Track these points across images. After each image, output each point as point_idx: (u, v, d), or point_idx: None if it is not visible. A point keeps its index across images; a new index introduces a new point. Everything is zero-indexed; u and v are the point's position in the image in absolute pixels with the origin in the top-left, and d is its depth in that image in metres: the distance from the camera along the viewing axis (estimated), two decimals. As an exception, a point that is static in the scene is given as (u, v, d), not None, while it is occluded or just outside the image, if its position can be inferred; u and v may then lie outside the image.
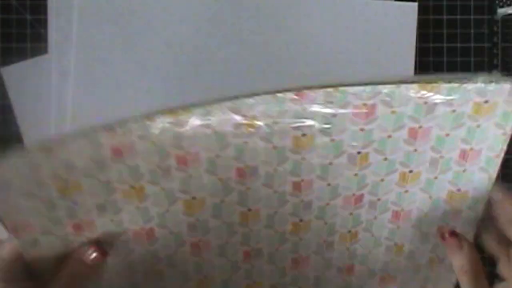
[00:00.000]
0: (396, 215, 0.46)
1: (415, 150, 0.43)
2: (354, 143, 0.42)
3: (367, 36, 0.55)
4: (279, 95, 0.40)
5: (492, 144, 0.43)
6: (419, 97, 0.40)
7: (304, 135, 0.41)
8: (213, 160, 0.41)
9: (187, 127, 0.40)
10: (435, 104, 0.40)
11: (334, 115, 0.41)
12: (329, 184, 0.44)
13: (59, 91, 0.54)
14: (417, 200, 0.45)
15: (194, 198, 0.42)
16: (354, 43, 0.55)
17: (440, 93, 0.40)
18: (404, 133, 0.42)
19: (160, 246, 0.44)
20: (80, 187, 0.40)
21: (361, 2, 0.55)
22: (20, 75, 0.55)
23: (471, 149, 0.43)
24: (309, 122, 0.41)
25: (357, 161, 0.43)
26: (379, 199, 0.45)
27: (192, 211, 0.43)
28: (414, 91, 0.40)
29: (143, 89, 0.54)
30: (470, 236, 0.46)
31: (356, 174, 0.43)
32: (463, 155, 0.43)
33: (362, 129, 0.41)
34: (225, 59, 0.55)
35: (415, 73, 0.56)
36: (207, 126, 0.40)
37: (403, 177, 0.44)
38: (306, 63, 0.55)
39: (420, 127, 0.41)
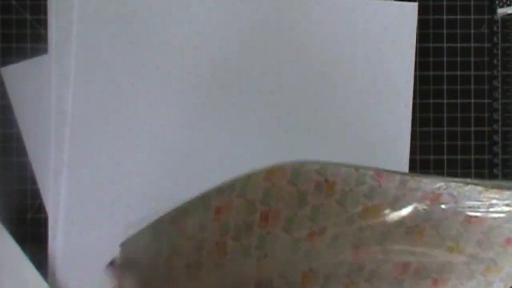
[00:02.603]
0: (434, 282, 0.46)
1: (466, 231, 0.44)
2: (414, 219, 0.43)
3: (367, 36, 0.55)
4: (360, 170, 0.42)
5: None
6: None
7: (374, 205, 0.43)
8: (291, 218, 0.42)
9: (276, 183, 0.41)
10: (495, 204, 0.42)
11: (404, 194, 0.42)
12: (383, 251, 0.45)
13: (59, 91, 0.54)
14: (457, 272, 0.46)
15: (266, 255, 0.43)
16: (354, 43, 0.55)
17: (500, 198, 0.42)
18: (460, 217, 0.43)
19: None
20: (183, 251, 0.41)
21: (361, 2, 0.55)
22: (20, 75, 0.55)
23: None
24: (380, 197, 0.42)
25: (414, 233, 0.44)
26: (423, 267, 0.46)
27: (262, 267, 0.43)
28: (478, 192, 0.42)
29: (143, 89, 0.54)
30: None
31: (410, 244, 0.45)
32: (509, 242, 0.44)
33: (424, 209, 0.43)
34: (225, 60, 0.55)
35: (415, 72, 0.56)
36: (294, 184, 0.41)
37: (450, 250, 0.45)
38: (306, 63, 0.55)
39: (477, 217, 0.43)
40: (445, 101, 0.57)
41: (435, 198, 0.43)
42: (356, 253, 0.44)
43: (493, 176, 0.57)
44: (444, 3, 0.57)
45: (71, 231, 0.54)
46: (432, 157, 0.57)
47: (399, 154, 0.55)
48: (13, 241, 0.53)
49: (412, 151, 0.56)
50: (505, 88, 0.57)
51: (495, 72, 0.57)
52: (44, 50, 0.55)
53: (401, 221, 0.44)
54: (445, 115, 0.57)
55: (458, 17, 0.57)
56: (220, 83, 0.55)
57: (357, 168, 0.42)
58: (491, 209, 0.43)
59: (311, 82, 0.55)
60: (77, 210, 0.54)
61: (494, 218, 0.43)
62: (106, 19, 0.54)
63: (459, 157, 0.57)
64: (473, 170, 0.57)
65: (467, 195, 0.43)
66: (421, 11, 0.56)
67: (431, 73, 0.57)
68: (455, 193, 0.42)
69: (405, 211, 0.43)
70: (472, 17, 0.57)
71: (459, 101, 0.57)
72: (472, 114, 0.57)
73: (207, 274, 0.43)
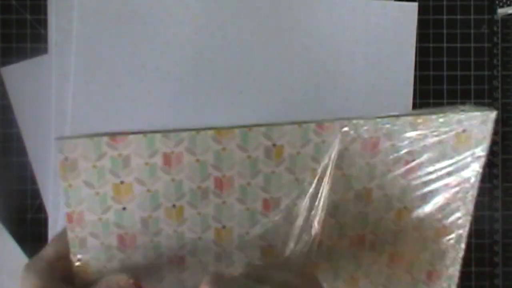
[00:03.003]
0: (391, 257, 0.46)
1: (409, 184, 0.44)
2: (361, 178, 0.43)
3: (367, 36, 0.56)
4: (304, 125, 0.41)
5: (469, 176, 0.45)
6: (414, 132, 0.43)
7: (322, 168, 0.42)
8: (245, 188, 0.42)
9: (227, 147, 0.41)
10: (425, 135, 0.43)
11: (346, 149, 0.42)
12: (337, 222, 0.44)
13: (59, 91, 0.54)
14: (409, 242, 0.46)
15: (224, 227, 0.43)
16: (354, 43, 0.56)
17: (429, 126, 0.43)
18: (401, 167, 0.43)
19: (188, 276, 0.44)
20: (131, 191, 0.40)
21: (361, 2, 0.55)
22: (20, 75, 0.55)
23: (455, 180, 0.45)
24: (326, 155, 0.42)
25: (363, 198, 0.44)
26: (378, 240, 0.46)
27: (221, 241, 0.43)
28: (409, 125, 0.43)
29: (143, 89, 0.54)
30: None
31: (360, 212, 0.44)
32: (446, 187, 0.45)
33: (367, 164, 0.43)
34: (225, 60, 0.55)
35: (415, 73, 0.56)
36: (244, 149, 0.41)
37: (399, 215, 0.45)
38: (306, 63, 0.55)
39: (413, 160, 0.43)
40: (445, 101, 0.57)
41: (375, 146, 0.43)
42: (312, 229, 0.44)
43: (493, 176, 0.57)
44: (444, 3, 0.57)
45: (71, 231, 0.54)
46: (432, 157, 0.57)
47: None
48: (13, 241, 0.53)
49: (412, 151, 0.56)
50: (505, 88, 0.57)
51: (495, 72, 0.57)
52: (44, 50, 0.55)
53: (350, 185, 0.44)
54: (445, 115, 0.57)
55: (458, 17, 0.57)
56: (220, 83, 0.55)
57: (299, 123, 0.42)
58: (422, 144, 0.43)
59: (311, 82, 0.55)
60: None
61: (429, 160, 0.44)
62: (106, 19, 0.54)
63: (459, 157, 0.57)
64: (473, 170, 0.57)
65: (400, 131, 0.43)
66: (421, 11, 0.56)
67: (431, 73, 0.57)
68: (390, 132, 0.43)
69: (350, 170, 0.43)
70: (472, 17, 0.57)
71: (459, 101, 0.57)
72: (472, 114, 0.57)
73: (167, 242, 0.42)
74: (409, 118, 0.42)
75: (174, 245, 0.43)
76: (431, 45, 0.57)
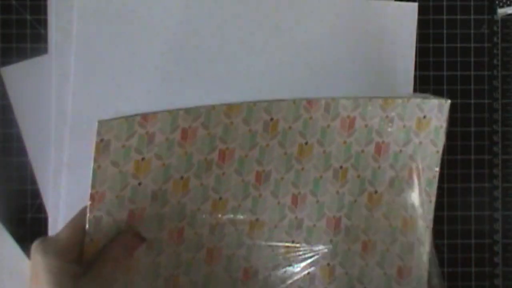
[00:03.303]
0: (364, 246, 0.48)
1: (379, 167, 0.47)
2: (338, 157, 0.46)
3: (367, 36, 0.56)
4: (297, 101, 0.45)
5: (430, 163, 0.48)
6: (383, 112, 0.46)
7: (306, 143, 0.46)
8: (242, 159, 0.44)
9: (234, 121, 0.43)
10: (392, 118, 0.46)
11: (328, 126, 0.46)
12: (317, 201, 0.47)
13: (59, 91, 0.54)
14: (380, 230, 0.48)
15: (220, 198, 0.45)
16: (354, 43, 0.56)
17: (395, 109, 0.46)
18: (372, 148, 0.47)
19: (184, 249, 0.45)
20: (149, 167, 0.42)
21: (361, 2, 0.55)
22: (20, 75, 0.55)
23: (417, 167, 0.48)
24: (311, 133, 0.46)
25: (339, 177, 0.47)
26: (352, 225, 0.48)
27: (216, 212, 0.45)
28: (380, 107, 0.46)
29: (143, 89, 0.54)
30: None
31: (337, 192, 0.47)
32: (410, 174, 0.48)
33: (344, 142, 0.46)
34: (225, 59, 0.55)
35: (415, 73, 0.56)
36: (247, 123, 0.44)
37: (370, 199, 0.47)
38: (306, 63, 0.55)
39: (383, 142, 0.47)
40: (445, 101, 0.57)
41: (351, 125, 0.46)
42: (295, 208, 0.47)
43: (493, 176, 0.57)
44: (444, 3, 0.57)
45: (71, 231, 0.54)
46: (432, 157, 0.57)
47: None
48: (13, 241, 0.53)
49: (412, 151, 0.56)
50: (505, 88, 0.57)
51: (495, 72, 0.57)
52: (44, 50, 0.55)
53: (329, 164, 0.46)
54: (445, 115, 0.57)
55: (458, 17, 0.57)
56: (220, 83, 0.55)
57: (294, 100, 0.45)
58: (389, 126, 0.46)
59: (311, 82, 0.55)
60: (77, 210, 0.54)
61: (395, 142, 0.47)
62: (106, 19, 0.54)
63: (459, 157, 0.57)
64: (473, 170, 0.57)
65: (372, 112, 0.46)
66: (421, 11, 0.56)
67: (431, 73, 0.57)
68: (364, 113, 0.46)
69: (331, 147, 0.46)
70: (472, 17, 0.57)
71: (459, 101, 0.57)
72: (472, 115, 0.57)
73: (170, 213, 0.44)
74: (380, 100, 0.46)
75: (175, 217, 0.44)
76: (431, 45, 0.57)
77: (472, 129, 0.57)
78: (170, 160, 0.42)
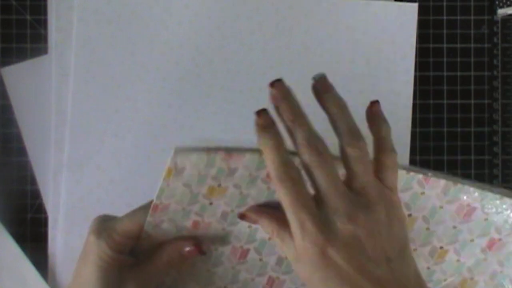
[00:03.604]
0: None
1: (485, 259, 0.46)
2: (442, 238, 0.45)
3: (367, 36, 0.56)
4: (430, 176, 0.44)
5: None
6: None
7: (410, 215, 0.45)
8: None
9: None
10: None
11: (441, 207, 0.45)
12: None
13: (59, 91, 0.54)
14: None
15: None
16: (354, 44, 0.56)
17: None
18: (484, 240, 0.45)
19: (245, 269, 0.45)
20: (224, 192, 0.41)
21: (361, 2, 0.55)
22: (20, 75, 0.55)
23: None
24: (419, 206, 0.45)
25: (436, 255, 0.46)
26: None
27: None
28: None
29: (143, 89, 0.54)
30: None
31: (428, 268, 0.46)
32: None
33: (454, 227, 0.45)
34: (225, 60, 0.55)
35: (415, 73, 0.56)
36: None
37: (463, 283, 0.47)
38: (306, 63, 0.55)
39: (500, 240, 0.45)
40: (445, 101, 0.57)
41: (468, 214, 0.44)
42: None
43: (493, 177, 0.57)
44: (444, 3, 0.57)
45: (71, 231, 0.54)
46: (432, 157, 0.57)
47: (399, 154, 0.55)
48: (13, 241, 0.53)
49: (412, 152, 0.56)
50: (505, 89, 0.57)
51: (495, 72, 0.57)
52: (44, 50, 0.55)
53: (428, 240, 0.45)
54: (445, 115, 0.57)
55: (458, 17, 0.57)
56: (220, 83, 0.55)
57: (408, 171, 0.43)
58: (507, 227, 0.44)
59: (311, 82, 0.55)
60: (77, 210, 0.54)
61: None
62: (106, 19, 0.54)
63: (459, 157, 0.57)
64: (473, 171, 0.57)
65: (494, 204, 0.44)
66: (421, 11, 0.56)
67: (431, 73, 0.57)
68: (487, 208, 0.44)
69: (437, 227, 0.45)
70: (472, 17, 0.57)
71: (459, 101, 0.57)
72: (472, 115, 0.57)
73: (238, 233, 0.43)
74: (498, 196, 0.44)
75: (243, 238, 0.44)
76: (431, 45, 0.57)
77: (472, 129, 0.57)
78: (249, 191, 0.42)
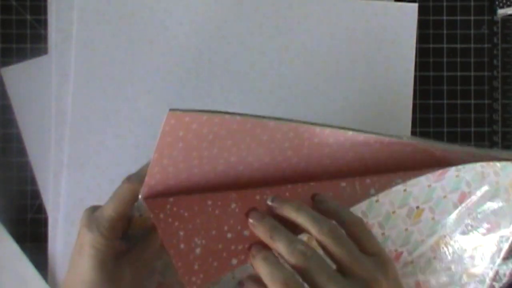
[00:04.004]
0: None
1: (434, 257, 0.47)
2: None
3: (367, 37, 0.56)
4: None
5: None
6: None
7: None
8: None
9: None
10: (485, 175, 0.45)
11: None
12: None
13: (59, 91, 0.54)
14: (439, 274, 0.47)
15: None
16: (354, 44, 0.56)
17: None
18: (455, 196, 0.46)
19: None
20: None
21: (361, 2, 0.56)
22: (20, 75, 0.55)
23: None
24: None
25: (412, 216, 0.46)
26: (412, 261, 0.47)
27: None
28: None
29: (143, 89, 0.54)
30: None
31: (406, 230, 0.46)
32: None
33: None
34: (225, 60, 0.55)
35: (415, 73, 0.56)
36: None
37: (437, 242, 0.47)
38: (306, 64, 0.55)
39: (469, 192, 0.45)
40: (445, 101, 0.57)
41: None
42: None
43: (493, 177, 0.57)
44: (444, 4, 0.57)
45: (71, 231, 0.54)
46: (432, 157, 0.57)
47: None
48: (13, 241, 0.53)
49: (412, 152, 0.56)
50: (505, 89, 0.57)
51: (495, 72, 0.57)
52: (44, 50, 0.55)
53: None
54: (445, 115, 0.57)
55: (458, 17, 0.57)
56: (220, 83, 0.55)
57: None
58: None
59: (311, 82, 0.55)
60: (77, 210, 0.54)
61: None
62: (106, 19, 0.54)
63: (459, 157, 0.57)
64: (473, 171, 0.57)
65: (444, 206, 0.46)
66: (421, 11, 0.56)
67: (431, 73, 0.57)
68: (434, 207, 0.46)
69: (390, 232, 0.46)
70: (472, 18, 0.57)
71: (459, 101, 0.57)
72: (472, 115, 0.57)
73: None
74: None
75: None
76: (431, 45, 0.57)
77: (472, 129, 0.57)
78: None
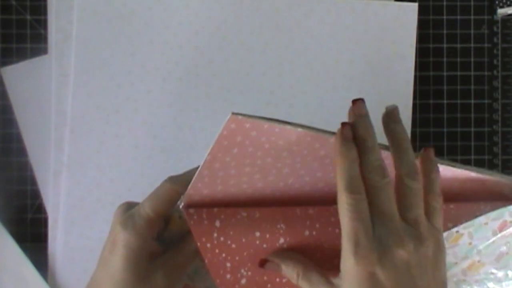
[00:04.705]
0: None
1: (464, 280, 0.46)
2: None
3: (367, 36, 0.56)
4: None
5: None
6: None
7: None
8: None
9: None
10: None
11: None
12: None
13: (59, 91, 0.54)
14: None
15: None
16: (354, 43, 0.56)
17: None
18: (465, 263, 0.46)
19: None
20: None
21: (361, 2, 0.55)
22: (20, 76, 0.55)
23: None
24: None
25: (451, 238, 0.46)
26: None
27: None
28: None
29: (143, 89, 0.54)
30: None
31: None
32: None
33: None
34: (225, 60, 0.55)
35: (415, 73, 0.56)
36: None
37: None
38: (306, 64, 0.55)
39: (511, 222, 0.45)
40: (445, 101, 0.57)
41: (456, 239, 0.46)
42: None
43: (493, 177, 0.57)
44: (444, 3, 0.57)
45: (71, 231, 0.54)
46: (432, 157, 0.57)
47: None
48: (13, 241, 0.53)
49: (412, 152, 0.56)
50: (505, 89, 0.57)
51: (495, 72, 0.57)
52: (44, 50, 0.55)
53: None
54: (445, 115, 0.57)
55: (458, 17, 0.57)
56: (220, 83, 0.55)
57: None
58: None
59: (311, 82, 0.55)
60: (77, 210, 0.54)
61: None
62: (106, 19, 0.54)
63: (459, 157, 0.57)
64: (473, 171, 0.57)
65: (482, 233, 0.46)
66: (421, 11, 0.56)
67: (431, 73, 0.57)
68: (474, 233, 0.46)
69: None
70: (472, 17, 0.57)
71: (459, 101, 0.57)
72: (472, 115, 0.57)
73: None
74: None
75: None
76: (431, 45, 0.57)
77: (472, 129, 0.57)
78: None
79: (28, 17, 0.56)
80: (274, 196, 0.41)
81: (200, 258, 0.42)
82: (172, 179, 0.41)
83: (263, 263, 0.41)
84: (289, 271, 0.40)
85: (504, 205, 0.43)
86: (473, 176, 0.42)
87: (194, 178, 0.38)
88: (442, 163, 0.40)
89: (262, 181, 0.40)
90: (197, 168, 0.38)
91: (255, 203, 0.41)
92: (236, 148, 0.37)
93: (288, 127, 0.36)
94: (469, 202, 0.44)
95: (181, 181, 0.41)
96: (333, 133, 0.38)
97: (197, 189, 0.39)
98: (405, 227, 0.36)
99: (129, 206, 0.42)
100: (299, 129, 0.37)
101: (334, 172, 0.38)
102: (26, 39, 0.56)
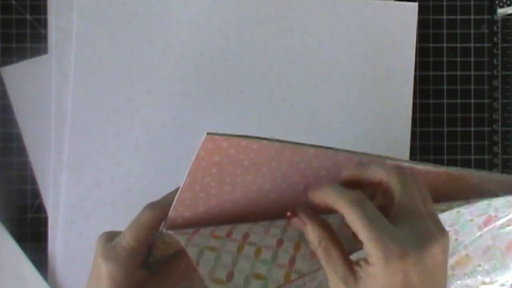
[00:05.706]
0: None
1: (453, 275, 0.47)
2: None
3: (367, 36, 0.56)
4: None
5: None
6: None
7: None
8: None
9: None
10: None
11: None
12: None
13: (59, 91, 0.54)
14: None
15: None
16: (354, 43, 0.56)
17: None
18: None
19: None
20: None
21: (361, 2, 0.55)
22: (20, 75, 0.55)
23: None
24: None
25: None
26: None
27: None
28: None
29: (143, 89, 0.54)
30: None
31: None
32: None
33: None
34: (225, 60, 0.55)
35: (415, 72, 0.56)
36: None
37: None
38: (306, 64, 0.55)
39: (495, 216, 0.45)
40: (445, 101, 0.57)
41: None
42: None
43: (493, 176, 0.57)
44: (444, 3, 0.57)
45: (71, 231, 0.54)
46: (432, 157, 0.57)
47: (399, 154, 0.55)
48: (13, 241, 0.53)
49: (412, 151, 0.56)
50: (505, 88, 0.57)
51: (495, 72, 0.57)
52: (44, 50, 0.55)
53: None
54: (445, 115, 0.57)
55: (458, 17, 0.57)
56: (220, 83, 0.55)
57: None
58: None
59: (311, 82, 0.55)
60: (77, 210, 0.54)
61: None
62: (106, 19, 0.54)
63: (459, 157, 0.57)
64: (473, 170, 0.57)
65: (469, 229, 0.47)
66: (421, 11, 0.56)
67: (431, 73, 0.57)
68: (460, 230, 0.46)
69: None
70: (472, 17, 0.57)
71: (459, 101, 0.57)
72: (472, 114, 0.57)
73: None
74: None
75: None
76: (431, 45, 0.57)
77: (472, 129, 0.57)
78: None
79: (28, 16, 0.56)
80: (258, 212, 0.41)
81: (189, 278, 0.42)
82: (152, 206, 0.41)
83: (292, 215, 0.39)
84: (313, 235, 0.38)
85: (489, 198, 0.43)
86: (454, 175, 0.42)
87: (174, 202, 0.37)
88: (424, 165, 0.41)
89: (244, 199, 0.39)
90: (176, 190, 0.37)
91: (239, 221, 0.40)
92: (214, 168, 0.36)
93: (266, 142, 0.36)
94: (455, 200, 0.44)
95: (161, 207, 0.40)
96: (312, 145, 0.37)
97: (179, 213, 0.38)
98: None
99: (111, 236, 0.41)
100: (277, 144, 0.36)
101: (317, 184, 0.38)
102: (26, 39, 0.56)
